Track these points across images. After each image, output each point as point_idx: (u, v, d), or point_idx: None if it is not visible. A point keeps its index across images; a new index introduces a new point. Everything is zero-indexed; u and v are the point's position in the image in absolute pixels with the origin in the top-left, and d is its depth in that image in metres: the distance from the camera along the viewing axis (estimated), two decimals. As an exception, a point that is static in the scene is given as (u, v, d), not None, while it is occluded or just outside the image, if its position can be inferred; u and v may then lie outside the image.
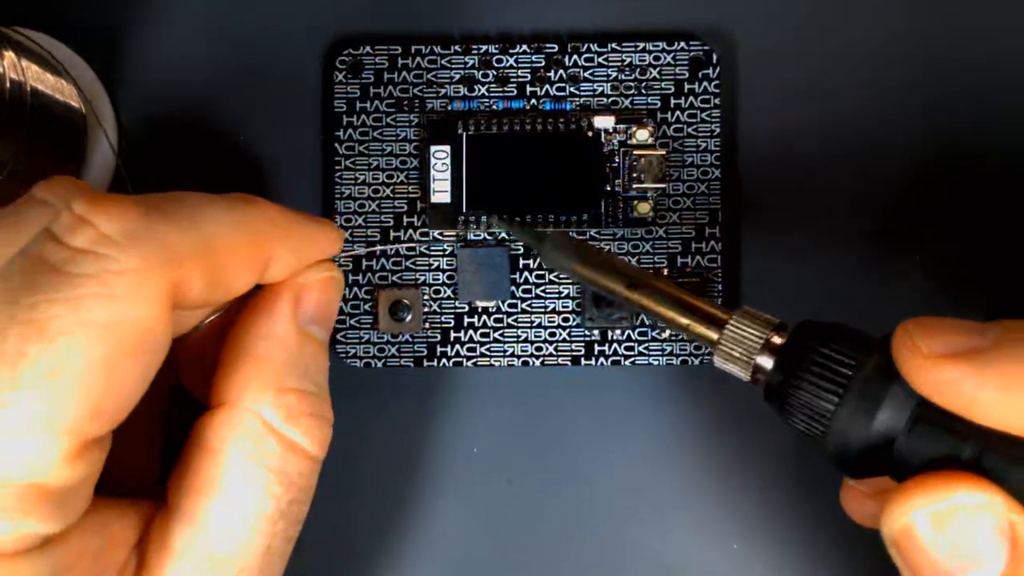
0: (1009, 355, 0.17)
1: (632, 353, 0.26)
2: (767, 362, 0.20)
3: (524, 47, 0.26)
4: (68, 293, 0.16)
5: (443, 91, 0.26)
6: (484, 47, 0.26)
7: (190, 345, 0.21)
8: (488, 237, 0.26)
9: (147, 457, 0.21)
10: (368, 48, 0.26)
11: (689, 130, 0.26)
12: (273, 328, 0.19)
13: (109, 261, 0.16)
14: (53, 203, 0.17)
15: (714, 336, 0.20)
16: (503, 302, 0.26)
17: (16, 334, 0.15)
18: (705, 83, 0.26)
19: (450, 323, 0.26)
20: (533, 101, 0.26)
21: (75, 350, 0.16)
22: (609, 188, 0.26)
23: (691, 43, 0.26)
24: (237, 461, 0.18)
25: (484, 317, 0.26)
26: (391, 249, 0.26)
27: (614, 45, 0.26)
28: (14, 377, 0.15)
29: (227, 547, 0.18)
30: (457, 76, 0.26)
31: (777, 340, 0.20)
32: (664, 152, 0.26)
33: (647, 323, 0.26)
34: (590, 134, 0.26)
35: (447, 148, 0.26)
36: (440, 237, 0.26)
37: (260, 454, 0.19)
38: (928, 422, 0.18)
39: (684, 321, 0.21)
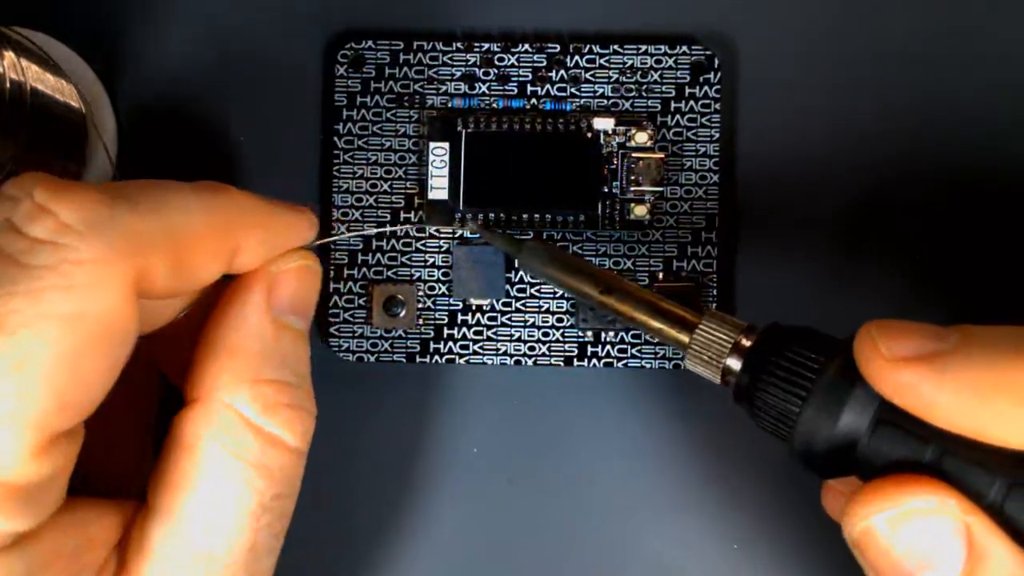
0: (966, 360, 0.17)
1: (625, 355, 0.26)
2: (736, 364, 0.20)
3: (526, 46, 0.26)
4: (27, 285, 0.16)
5: (444, 88, 0.26)
6: (486, 45, 0.26)
7: (170, 340, 0.20)
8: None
9: (137, 457, 0.21)
10: (370, 43, 0.26)
11: (689, 134, 0.26)
12: (245, 318, 0.19)
13: (69, 251, 0.16)
14: (17, 196, 0.17)
15: (685, 339, 0.21)
16: (497, 300, 0.26)
17: None
18: (706, 87, 0.26)
19: (444, 320, 0.26)
20: (533, 101, 0.26)
21: (37, 343, 0.15)
22: (607, 190, 0.26)
23: (693, 47, 0.26)
24: (213, 456, 0.18)
25: (478, 315, 0.26)
26: (374, 234, 0.26)
27: (616, 47, 0.26)
28: None
29: (208, 544, 0.18)
30: (458, 73, 0.26)
31: (746, 342, 0.20)
32: (663, 155, 0.26)
33: (641, 326, 0.26)
34: (589, 135, 0.26)
35: (446, 145, 0.26)
36: (437, 233, 0.26)
37: (237, 448, 0.18)
38: (890, 424, 0.18)
39: (656, 325, 0.22)
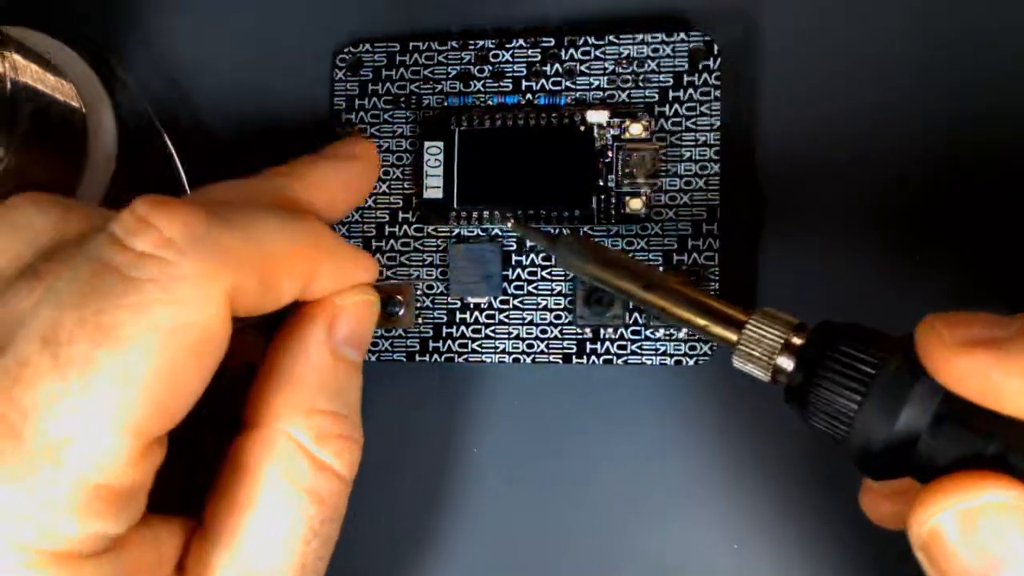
0: None
1: (625, 352, 0.25)
2: (787, 363, 0.20)
3: (520, 41, 0.26)
4: (133, 299, 0.16)
5: (439, 87, 0.26)
6: (480, 42, 0.26)
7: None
8: (481, 233, 0.26)
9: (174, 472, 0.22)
10: (368, 46, 0.26)
11: (688, 123, 0.25)
12: (308, 349, 0.20)
13: (172, 266, 0.17)
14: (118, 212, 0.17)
15: (733, 337, 0.20)
16: (495, 298, 0.26)
17: (85, 340, 0.16)
18: (705, 75, 0.25)
19: (443, 319, 0.26)
20: (528, 96, 0.26)
21: (142, 354, 0.16)
22: (602, 184, 0.25)
23: (691, 33, 0.25)
24: (272, 481, 0.19)
25: (476, 313, 0.26)
26: (386, 244, 0.26)
27: (611, 37, 0.25)
28: (85, 382, 0.16)
29: (264, 566, 0.19)
30: (453, 72, 0.26)
31: (797, 341, 0.20)
32: (658, 146, 0.25)
33: (640, 322, 0.25)
34: (582, 129, 0.25)
35: (440, 144, 0.26)
36: (434, 233, 0.26)
37: (293, 475, 0.19)
38: (952, 420, 0.17)
39: (702, 322, 0.21)
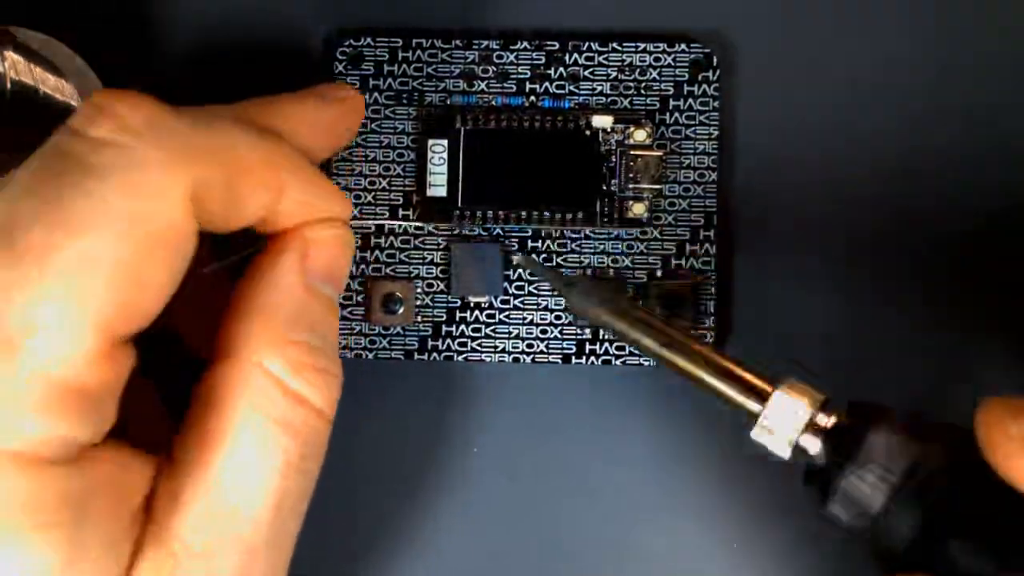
0: None
1: (623, 352, 0.26)
2: (812, 444, 0.19)
3: (525, 44, 0.26)
4: (92, 184, 0.16)
5: (442, 85, 0.26)
6: (485, 42, 0.26)
7: (191, 290, 0.20)
8: (483, 232, 0.26)
9: (148, 409, 0.21)
10: (369, 40, 0.26)
11: (687, 132, 0.26)
12: (278, 279, 0.19)
13: (131, 152, 0.16)
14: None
15: (755, 408, 0.20)
16: (496, 298, 0.26)
17: (41, 227, 0.15)
18: (705, 85, 0.26)
19: (442, 317, 0.26)
20: (532, 98, 0.26)
21: (101, 243, 0.15)
22: (605, 187, 0.26)
23: (692, 45, 0.26)
24: (244, 414, 0.18)
25: (476, 312, 0.26)
26: (385, 242, 0.26)
27: (615, 45, 0.26)
28: (42, 272, 0.15)
29: (237, 500, 0.18)
30: (457, 71, 0.26)
31: (823, 420, 0.19)
32: (661, 153, 0.26)
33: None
34: (588, 133, 0.26)
35: (444, 142, 0.26)
36: (435, 231, 0.26)
37: (266, 406, 0.18)
38: (978, 527, 0.17)
39: (722, 388, 0.20)
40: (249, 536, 0.18)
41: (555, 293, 0.26)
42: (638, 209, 0.26)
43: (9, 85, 0.21)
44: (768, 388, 0.20)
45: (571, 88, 0.26)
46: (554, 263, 0.26)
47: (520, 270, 0.26)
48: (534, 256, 0.25)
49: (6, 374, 0.15)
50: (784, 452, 0.19)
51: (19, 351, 0.15)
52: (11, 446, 0.15)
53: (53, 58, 0.24)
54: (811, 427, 0.19)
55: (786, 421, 0.19)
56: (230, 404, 0.18)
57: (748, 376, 0.20)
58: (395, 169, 0.26)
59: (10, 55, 0.21)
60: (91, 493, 0.17)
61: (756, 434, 0.20)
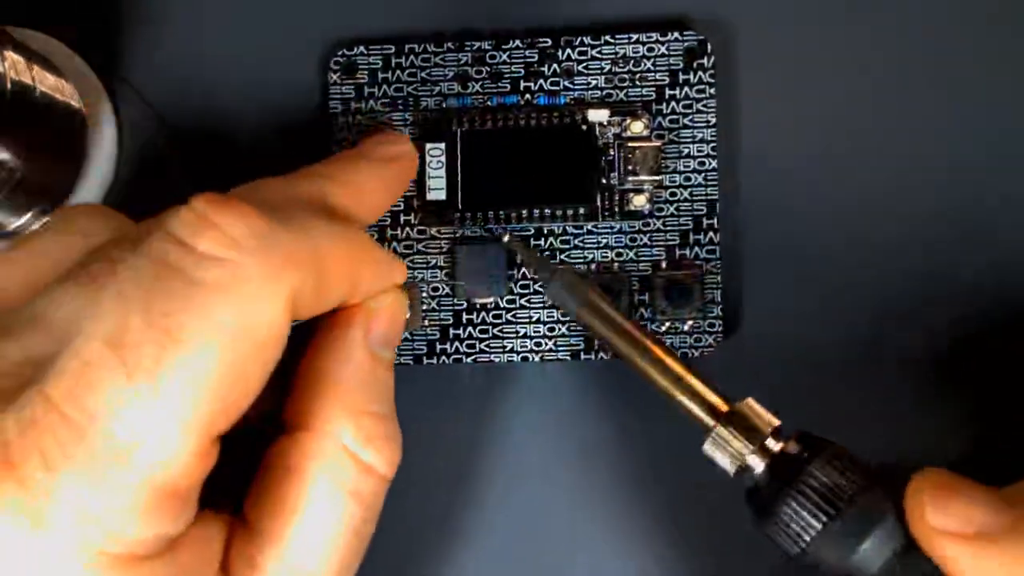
0: (1016, 547, 0.17)
1: (632, 346, 0.25)
2: (757, 465, 0.20)
3: (517, 42, 0.26)
4: (200, 300, 0.16)
5: (437, 89, 0.26)
6: (477, 44, 0.26)
7: None
8: (485, 234, 0.26)
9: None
10: (362, 49, 0.26)
11: (685, 120, 0.26)
12: (350, 353, 0.20)
13: (238, 267, 0.17)
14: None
15: (710, 423, 0.21)
16: (501, 298, 0.26)
17: (152, 342, 0.16)
18: (700, 72, 0.26)
19: (449, 320, 0.26)
20: (527, 96, 0.26)
21: (209, 357, 0.16)
22: (605, 181, 0.26)
23: (685, 33, 0.26)
24: (320, 484, 0.19)
25: (483, 313, 0.26)
26: (389, 247, 0.26)
27: (607, 37, 0.26)
28: (153, 390, 0.16)
29: (307, 565, 0.19)
30: (451, 74, 0.26)
31: (772, 444, 0.20)
32: (659, 144, 0.25)
33: (646, 317, 0.25)
34: (584, 128, 0.26)
35: (441, 145, 0.26)
36: (437, 235, 0.26)
37: (341, 478, 0.19)
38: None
39: (682, 400, 0.21)
40: None
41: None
42: (639, 201, 0.26)
43: (9, 85, 0.21)
44: (724, 406, 0.21)
45: (565, 84, 0.26)
46: (557, 260, 0.26)
47: (524, 269, 0.26)
48: (521, 240, 0.25)
49: (117, 484, 0.16)
50: (730, 469, 0.21)
51: (130, 461, 0.16)
52: (115, 550, 0.16)
53: (53, 58, 0.24)
54: (760, 450, 0.20)
55: (738, 440, 0.20)
56: (308, 475, 0.19)
57: (707, 391, 0.21)
58: (394, 175, 0.26)
59: (10, 55, 0.22)
60: (180, 574, 0.17)
61: (707, 448, 0.21)
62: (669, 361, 0.22)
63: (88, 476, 0.15)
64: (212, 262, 0.16)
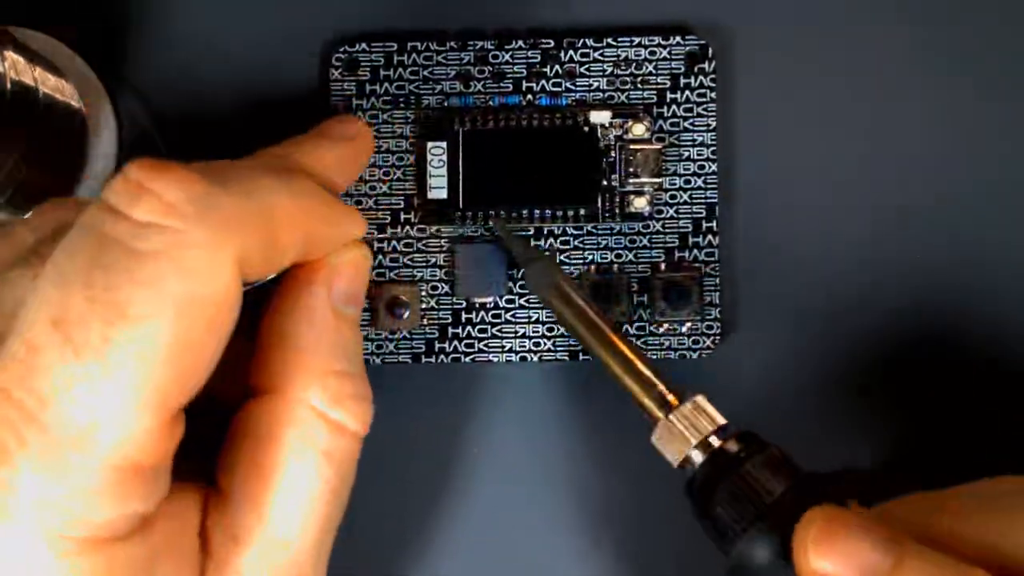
0: None
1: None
2: (698, 458, 0.21)
3: (520, 43, 0.26)
4: (144, 273, 0.16)
5: (439, 87, 0.26)
6: (480, 43, 0.26)
7: None
8: (485, 233, 0.26)
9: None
10: (364, 45, 0.26)
11: (686, 124, 0.26)
12: (312, 312, 0.20)
13: (180, 235, 0.16)
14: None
15: (659, 415, 0.22)
16: (501, 298, 0.26)
17: (98, 319, 0.15)
18: (701, 77, 0.26)
19: (448, 319, 0.26)
20: (529, 97, 0.26)
21: (158, 330, 0.16)
22: (606, 183, 0.26)
23: (687, 37, 0.26)
24: (292, 447, 0.19)
25: (482, 313, 0.26)
26: (388, 246, 0.26)
27: (610, 40, 0.26)
28: (103, 367, 0.15)
29: (288, 531, 0.19)
30: (453, 72, 0.26)
31: (714, 441, 0.21)
32: (660, 146, 0.26)
33: (645, 317, 0.26)
34: (586, 129, 0.26)
35: (443, 144, 0.26)
36: (437, 234, 0.26)
37: (313, 439, 0.19)
38: None
39: (635, 389, 0.22)
40: (302, 563, 0.19)
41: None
42: (640, 203, 0.26)
43: (9, 85, 0.21)
44: (675, 401, 0.22)
45: (568, 85, 0.26)
46: (558, 261, 0.26)
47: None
48: (508, 225, 0.25)
49: (77, 468, 0.15)
50: (674, 460, 0.22)
51: (88, 444, 0.15)
52: (82, 534, 0.16)
53: (53, 58, 0.24)
54: (702, 445, 0.21)
55: (683, 435, 0.21)
56: (279, 439, 0.19)
57: (660, 385, 0.22)
58: (395, 173, 0.26)
59: (10, 55, 0.21)
60: (156, 552, 0.17)
61: (655, 438, 0.22)
62: (628, 352, 0.22)
63: (46, 462, 0.15)
64: (151, 230, 0.16)
